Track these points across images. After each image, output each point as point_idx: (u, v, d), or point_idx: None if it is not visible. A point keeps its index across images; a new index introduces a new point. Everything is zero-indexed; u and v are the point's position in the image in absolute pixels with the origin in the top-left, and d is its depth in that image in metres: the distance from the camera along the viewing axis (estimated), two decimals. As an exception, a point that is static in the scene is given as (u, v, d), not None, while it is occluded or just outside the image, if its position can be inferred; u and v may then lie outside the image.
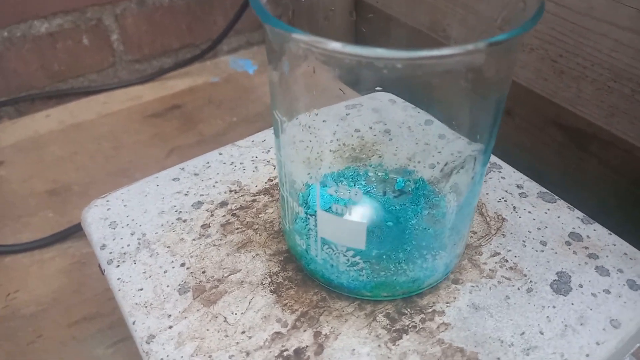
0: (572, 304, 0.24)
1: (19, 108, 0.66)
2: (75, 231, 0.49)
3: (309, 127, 0.24)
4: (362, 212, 0.22)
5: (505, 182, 0.30)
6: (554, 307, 0.24)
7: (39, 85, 0.66)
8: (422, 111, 0.32)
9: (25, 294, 0.45)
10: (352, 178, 0.27)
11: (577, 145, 0.42)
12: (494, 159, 0.32)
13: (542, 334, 0.23)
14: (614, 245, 0.26)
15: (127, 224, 0.29)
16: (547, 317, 0.23)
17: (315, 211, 0.22)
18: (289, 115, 0.22)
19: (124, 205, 0.30)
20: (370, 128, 0.33)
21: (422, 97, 0.25)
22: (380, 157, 0.30)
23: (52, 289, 0.45)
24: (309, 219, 0.22)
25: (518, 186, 0.30)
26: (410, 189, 0.25)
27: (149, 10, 0.69)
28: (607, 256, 0.26)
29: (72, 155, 0.60)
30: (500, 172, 0.31)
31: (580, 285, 0.24)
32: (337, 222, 0.21)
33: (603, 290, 0.24)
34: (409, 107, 0.33)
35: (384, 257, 0.22)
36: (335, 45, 0.17)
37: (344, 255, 0.22)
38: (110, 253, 0.27)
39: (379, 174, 0.28)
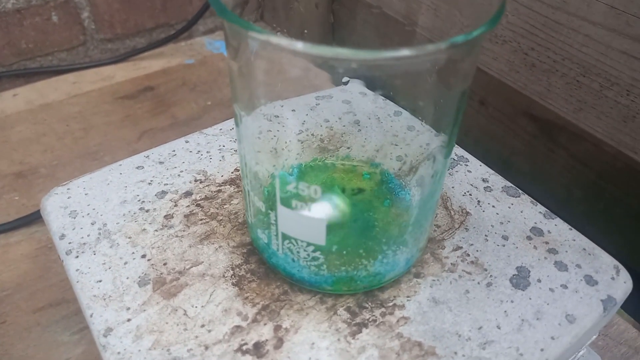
0: (530, 298, 0.24)
1: (-15, 87, 0.63)
2: (39, 216, 0.48)
3: (273, 118, 0.23)
4: (322, 208, 0.21)
5: (471, 176, 0.30)
6: (512, 301, 0.24)
7: (5, 63, 0.63)
8: (391, 103, 0.32)
9: (-11, 279, 0.44)
10: (316, 171, 0.27)
11: (546, 137, 0.43)
12: (461, 152, 0.32)
13: (499, 328, 0.23)
14: (574, 240, 0.27)
15: (88, 213, 0.28)
16: (505, 311, 0.24)
17: (276, 206, 0.22)
18: (249, 108, 0.22)
19: (85, 194, 0.29)
20: (340, 119, 0.32)
21: (388, 89, 0.24)
22: (348, 148, 0.30)
23: (16, 274, 0.45)
24: (269, 213, 0.22)
25: (483, 180, 0.30)
26: (371, 186, 0.25)
27: (122, -13, 0.67)
28: (566, 251, 0.26)
29: (40, 137, 0.58)
30: (467, 165, 0.31)
31: (539, 280, 0.25)
32: (297, 218, 0.21)
33: (560, 285, 0.25)
34: (379, 99, 0.33)
35: (345, 252, 0.22)
36: (296, 45, 0.17)
37: (305, 250, 0.22)
38: (70, 243, 0.27)
39: (345, 165, 0.28)
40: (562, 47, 0.37)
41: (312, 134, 0.31)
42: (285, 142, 0.25)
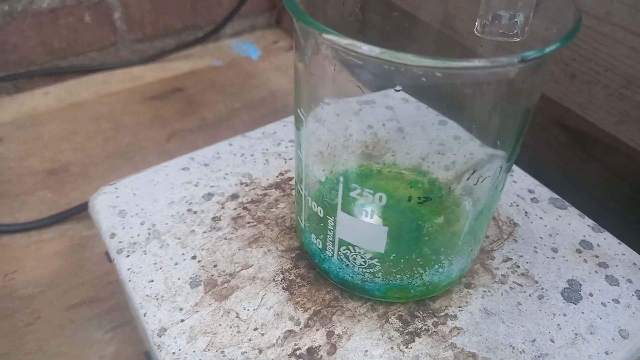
0: (582, 312, 0.24)
1: (18, 84, 0.64)
2: (74, 213, 0.49)
3: (325, 122, 0.23)
4: (383, 216, 0.21)
5: (517, 187, 0.30)
6: (564, 315, 0.24)
7: (38, 62, 0.64)
8: (435, 111, 0.32)
9: (23, 274, 0.45)
10: (370, 178, 0.27)
11: (580, 148, 0.43)
12: (506, 162, 0.32)
13: (552, 341, 0.23)
14: (624, 254, 0.27)
15: (137, 213, 0.28)
16: (558, 324, 0.24)
17: (336, 212, 0.22)
18: (310, 111, 0.22)
19: (133, 194, 0.30)
20: (383, 125, 0.32)
21: (446, 101, 0.24)
22: (393, 155, 0.30)
23: (50, 271, 0.45)
24: (327, 218, 0.22)
25: (530, 191, 0.30)
26: (432, 195, 0.25)
27: (153, -12, 0.67)
28: (616, 265, 0.26)
29: (71, 135, 0.59)
30: (512, 175, 0.31)
31: (591, 294, 0.25)
32: (358, 224, 0.21)
33: (612, 300, 0.25)
34: (422, 107, 0.33)
35: (402, 260, 0.22)
36: (372, 50, 0.17)
37: (362, 257, 0.22)
38: (120, 242, 0.27)
39: (392, 173, 0.28)
40: (605, 59, 0.36)
41: (357, 140, 0.31)
42: (341, 147, 0.25)
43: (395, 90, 0.26)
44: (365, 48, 0.17)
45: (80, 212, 0.48)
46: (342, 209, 0.21)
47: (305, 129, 0.22)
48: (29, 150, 0.57)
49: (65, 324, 0.41)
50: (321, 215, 0.23)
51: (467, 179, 0.25)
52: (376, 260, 0.22)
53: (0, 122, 0.60)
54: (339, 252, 0.23)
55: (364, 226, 0.21)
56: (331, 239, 0.23)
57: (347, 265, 0.23)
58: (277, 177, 0.31)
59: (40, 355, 0.39)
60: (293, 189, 0.30)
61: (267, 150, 0.33)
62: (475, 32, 0.29)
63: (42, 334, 0.41)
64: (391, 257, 0.22)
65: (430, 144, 0.30)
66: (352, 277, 0.23)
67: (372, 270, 0.23)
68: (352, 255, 0.23)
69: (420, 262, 0.23)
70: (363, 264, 0.23)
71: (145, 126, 0.60)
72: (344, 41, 0.17)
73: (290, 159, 0.32)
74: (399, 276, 0.23)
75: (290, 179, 0.31)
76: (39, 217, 0.48)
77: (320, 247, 0.24)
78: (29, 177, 0.53)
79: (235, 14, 0.71)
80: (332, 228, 0.22)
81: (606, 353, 0.23)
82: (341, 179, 0.21)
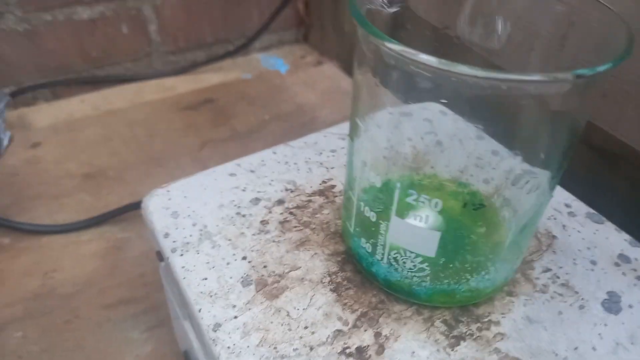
0: (623, 323, 0.25)
1: (55, 91, 0.67)
2: (112, 216, 0.50)
3: (383, 129, 0.25)
4: (436, 222, 0.22)
5: (554, 200, 0.31)
6: (605, 324, 0.25)
7: (75, 70, 0.67)
8: (472, 125, 0.33)
9: (62, 274, 0.46)
10: (418, 187, 0.28)
11: (607, 167, 0.43)
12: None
13: (594, 350, 0.24)
14: (661, 269, 0.27)
15: (189, 215, 0.30)
16: (599, 334, 0.24)
17: (389, 216, 0.23)
18: (368, 120, 0.23)
19: (184, 197, 0.31)
20: (422, 138, 0.33)
21: (489, 116, 0.26)
22: (432, 167, 0.31)
23: (87, 271, 0.47)
24: (380, 223, 0.23)
25: (566, 205, 0.31)
26: (481, 203, 0.26)
27: (187, 2, 0.70)
28: (654, 279, 0.27)
29: (107, 141, 0.61)
30: (548, 190, 0.32)
31: (630, 306, 0.25)
32: (412, 229, 0.22)
33: (651, 312, 0.25)
34: (460, 120, 0.34)
35: (450, 265, 0.23)
36: (434, 61, 0.18)
37: (412, 261, 0.23)
38: (174, 242, 0.28)
39: (435, 183, 0.29)
40: (637, 78, 0.37)
41: (397, 151, 0.32)
42: (395, 155, 0.26)
43: (441, 102, 0.27)
44: (427, 58, 0.19)
45: (117, 215, 0.50)
46: (397, 214, 0.22)
47: (362, 136, 0.24)
48: (67, 155, 0.59)
49: (103, 322, 0.43)
50: (373, 220, 0.24)
51: (511, 193, 0.26)
52: (426, 264, 0.23)
53: (38, 127, 0.63)
54: (389, 256, 0.24)
55: (417, 231, 0.22)
56: (382, 243, 0.24)
57: (396, 269, 0.24)
58: (320, 184, 0.32)
59: (79, 352, 0.41)
60: (336, 196, 0.31)
61: (310, 159, 0.34)
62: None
63: (80, 331, 0.42)
64: (440, 262, 0.23)
65: (469, 157, 0.31)
66: (399, 280, 0.24)
67: (420, 275, 0.24)
68: (401, 259, 0.24)
69: (468, 268, 0.24)
70: (412, 267, 0.24)
71: (178, 134, 0.62)
72: (409, 51, 0.18)
73: (332, 168, 0.33)
74: (446, 281, 0.24)
75: (333, 186, 0.32)
76: (76, 219, 0.50)
77: (369, 251, 0.25)
78: (67, 180, 0.55)
79: (266, 29, 0.73)
80: (383, 232, 0.24)
81: (647, 362, 0.23)
82: (398, 184, 0.22)
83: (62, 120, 0.64)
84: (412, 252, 0.23)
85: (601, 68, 0.19)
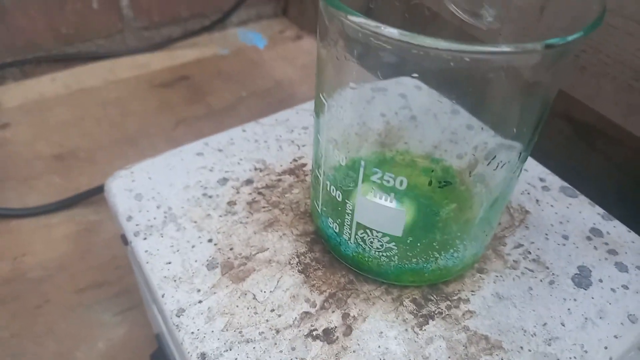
0: (592, 297, 0.25)
1: (24, 69, 0.64)
2: (83, 198, 0.49)
3: (347, 106, 0.24)
4: (402, 200, 0.22)
5: (528, 175, 0.31)
6: (574, 300, 0.24)
7: (45, 47, 0.64)
8: (447, 99, 0.32)
9: (32, 258, 0.45)
10: (387, 164, 0.27)
11: (584, 140, 0.43)
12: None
13: (563, 325, 0.23)
14: (633, 242, 0.27)
15: (153, 197, 0.29)
16: (568, 309, 0.24)
17: (354, 196, 0.22)
18: (332, 96, 0.23)
19: (149, 178, 0.30)
20: (396, 113, 0.33)
21: (461, 89, 0.25)
22: (405, 143, 0.31)
23: (58, 255, 0.46)
24: (346, 202, 0.23)
25: (541, 179, 0.30)
26: (450, 179, 0.25)
27: (160, -24, 0.67)
28: (626, 253, 0.27)
29: (78, 121, 0.59)
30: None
31: (600, 280, 0.25)
32: (377, 208, 0.22)
33: (622, 286, 0.25)
34: (434, 94, 0.33)
35: (418, 244, 0.23)
36: (394, 33, 0.17)
37: (379, 241, 0.23)
38: (137, 225, 0.27)
39: (406, 160, 0.28)
40: (615, 51, 0.37)
41: (369, 128, 0.31)
42: (359, 132, 0.25)
43: (412, 77, 0.26)
44: (389, 31, 0.18)
45: (88, 197, 0.49)
46: (362, 193, 0.22)
47: (327, 113, 0.23)
48: (37, 135, 0.57)
49: (75, 306, 0.42)
50: (339, 199, 0.23)
51: (482, 168, 0.25)
52: (393, 243, 0.23)
53: (7, 107, 0.61)
54: (356, 236, 0.23)
55: (383, 210, 0.21)
56: (349, 223, 0.23)
57: (364, 249, 0.24)
58: (290, 163, 0.31)
59: (50, 336, 0.40)
60: (307, 175, 0.31)
61: (281, 136, 0.33)
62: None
63: (51, 316, 0.41)
64: (408, 241, 0.23)
65: (444, 132, 0.30)
66: (368, 260, 0.24)
67: (388, 254, 0.23)
68: (369, 239, 0.23)
69: (436, 246, 0.23)
70: (380, 247, 0.23)
71: (152, 113, 0.61)
72: (371, 23, 0.17)
73: (303, 146, 0.32)
74: (415, 260, 0.23)
75: (304, 165, 0.31)
76: (47, 201, 0.49)
77: (337, 231, 0.24)
78: (37, 162, 0.54)
79: (243, 2, 0.71)
80: (350, 212, 0.23)
81: (615, 337, 0.23)
82: (362, 163, 0.21)
83: (32, 100, 0.62)
84: (378, 232, 0.22)
85: (571, 37, 0.18)
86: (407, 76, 0.23)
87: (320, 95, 0.23)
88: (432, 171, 0.26)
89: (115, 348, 0.39)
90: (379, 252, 0.23)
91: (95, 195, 0.49)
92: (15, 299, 0.42)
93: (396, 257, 0.23)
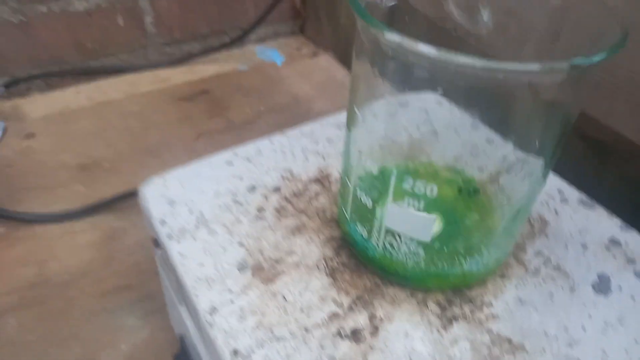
0: (612, 304, 0.25)
1: (50, 82, 0.66)
2: (106, 205, 0.50)
3: (380, 118, 0.25)
4: (431, 207, 0.23)
5: (547, 187, 0.32)
6: (595, 305, 0.25)
7: (70, 61, 0.67)
8: (468, 114, 0.34)
9: (56, 263, 0.46)
10: (417, 173, 0.28)
11: (597, 157, 0.44)
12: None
13: (584, 330, 0.24)
14: (650, 253, 0.28)
15: (185, 203, 0.30)
16: (589, 314, 0.25)
17: (385, 203, 0.23)
18: (366, 109, 0.24)
19: (181, 185, 0.31)
20: (418, 127, 0.34)
21: (484, 105, 0.26)
22: (427, 156, 0.32)
23: (82, 260, 0.47)
24: (376, 208, 0.24)
25: (559, 191, 0.31)
26: (476, 189, 0.26)
27: (183, -6, 0.70)
28: (643, 263, 0.27)
29: (101, 132, 0.61)
30: (540, 177, 0.33)
31: (620, 288, 0.26)
32: (408, 214, 0.23)
33: (640, 294, 0.26)
34: (455, 110, 0.34)
35: (445, 249, 0.24)
36: (433, 52, 0.18)
37: (407, 246, 0.24)
38: (170, 229, 0.28)
39: (430, 171, 0.30)
40: (629, 69, 0.38)
41: (393, 140, 0.32)
42: (390, 143, 0.26)
43: (438, 92, 0.27)
44: (425, 49, 0.19)
45: (112, 204, 0.50)
46: (393, 199, 0.23)
47: (360, 125, 0.24)
48: (61, 146, 0.59)
49: (98, 311, 0.43)
50: (369, 206, 0.24)
51: (507, 180, 0.26)
52: (421, 248, 0.24)
53: (32, 118, 0.63)
54: (385, 241, 0.24)
55: (413, 216, 0.23)
56: (377, 228, 0.24)
57: (391, 254, 0.25)
58: (316, 173, 0.32)
59: (74, 340, 0.41)
60: (332, 184, 0.32)
61: (306, 147, 0.34)
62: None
63: (75, 320, 0.42)
64: (435, 246, 0.24)
65: (469, 145, 0.31)
66: (395, 264, 0.25)
67: (415, 259, 0.24)
68: (397, 244, 0.24)
69: (462, 252, 0.24)
70: (408, 252, 0.24)
71: (174, 126, 0.62)
72: (407, 41, 0.19)
73: (328, 156, 0.34)
74: (441, 264, 0.24)
75: (329, 174, 0.32)
76: (71, 209, 0.50)
77: (365, 236, 0.25)
78: (62, 171, 0.55)
79: (262, 21, 0.73)
80: (379, 218, 0.24)
81: (636, 341, 0.24)
82: (394, 171, 0.22)
83: (57, 111, 0.64)
84: (407, 237, 0.23)
85: (596, 58, 0.19)
86: (436, 91, 0.25)
87: (354, 109, 0.24)
88: (458, 181, 0.27)
89: (138, 351, 0.40)
90: (406, 256, 0.24)
91: (118, 202, 0.50)
92: (41, 303, 0.43)
93: (423, 261, 0.24)
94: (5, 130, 0.60)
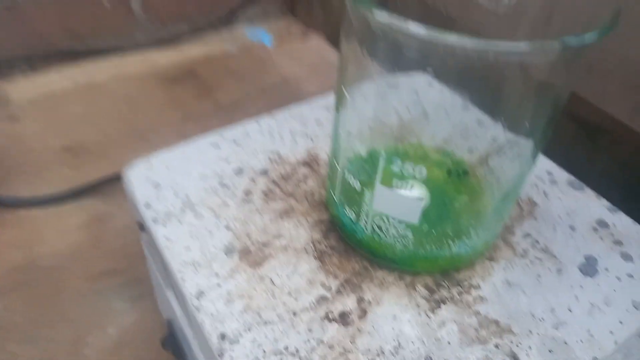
0: (599, 285, 0.25)
1: (33, 64, 0.65)
2: (93, 188, 0.50)
3: (369, 100, 0.24)
4: (420, 189, 0.23)
5: (536, 168, 0.31)
6: (581, 287, 0.25)
7: (54, 43, 0.65)
8: (458, 95, 0.33)
9: (44, 247, 0.46)
10: (406, 154, 0.28)
11: (588, 139, 0.44)
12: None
13: (570, 311, 0.24)
14: (638, 233, 0.28)
15: (171, 185, 0.30)
16: (575, 296, 0.25)
17: (373, 185, 0.23)
18: (355, 90, 0.23)
19: (166, 167, 0.31)
20: (408, 108, 0.33)
21: (474, 86, 0.26)
22: (417, 137, 0.31)
23: (70, 244, 0.46)
24: (364, 191, 0.24)
25: (548, 172, 0.31)
26: (465, 170, 0.26)
27: (169, -27, 0.68)
28: (630, 243, 0.27)
29: (88, 115, 0.60)
30: (529, 159, 0.32)
31: (606, 269, 0.26)
32: (396, 196, 0.22)
33: (627, 275, 0.26)
34: (446, 91, 0.34)
35: (433, 231, 0.24)
36: (422, 31, 0.18)
37: (395, 228, 0.24)
38: (155, 212, 0.28)
39: (420, 152, 0.29)
40: (622, 51, 0.38)
41: (383, 122, 0.32)
42: (379, 125, 0.26)
43: (427, 72, 0.27)
44: (415, 28, 0.18)
45: (99, 186, 0.50)
46: (381, 182, 0.22)
47: (349, 107, 0.24)
48: (47, 129, 0.58)
49: (87, 293, 0.43)
50: (358, 188, 0.24)
51: (496, 161, 0.26)
52: (409, 230, 0.23)
53: (17, 101, 0.61)
54: (373, 223, 0.24)
55: (401, 198, 0.22)
56: (365, 211, 0.24)
57: (380, 236, 0.24)
58: (304, 155, 0.32)
59: (64, 323, 0.41)
60: (321, 166, 0.31)
61: (294, 129, 0.34)
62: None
63: (64, 303, 0.42)
64: (423, 228, 0.23)
65: (460, 126, 0.31)
66: (383, 246, 0.25)
67: (404, 241, 0.24)
68: (385, 226, 0.24)
69: (450, 234, 0.24)
70: (396, 234, 0.24)
71: (161, 108, 0.61)
72: (397, 21, 0.18)
73: (317, 138, 0.33)
74: (429, 247, 0.24)
75: (318, 157, 0.32)
76: (57, 192, 0.50)
77: (353, 218, 0.25)
78: (47, 155, 0.54)
79: (251, 1, 0.72)
80: (367, 200, 0.24)
81: (620, 322, 0.24)
82: (383, 153, 0.22)
83: (42, 94, 0.62)
84: (395, 219, 0.23)
85: (588, 38, 0.19)
86: (426, 71, 0.24)
87: (343, 89, 0.24)
88: (447, 163, 0.27)
89: (126, 334, 0.40)
90: (394, 238, 0.24)
91: (104, 184, 0.49)
92: (29, 286, 0.43)
93: (411, 243, 0.24)
94: (-12, 113, 0.58)
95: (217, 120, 0.60)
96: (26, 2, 0.60)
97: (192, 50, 0.71)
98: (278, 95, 0.64)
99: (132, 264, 0.44)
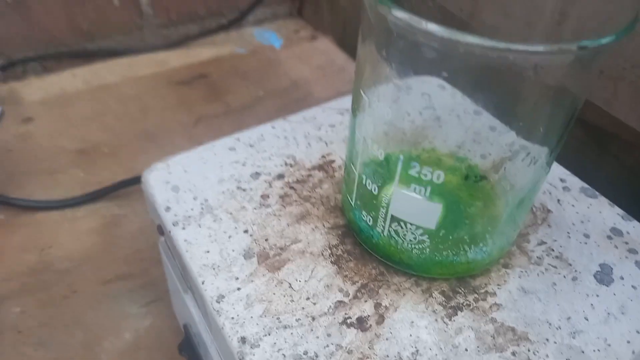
0: (614, 294, 0.26)
1: (46, 65, 0.65)
2: (107, 192, 0.50)
3: (388, 102, 0.25)
4: (437, 194, 0.23)
5: (549, 175, 0.32)
6: (597, 295, 0.25)
7: (65, 43, 0.65)
8: (470, 100, 0.33)
9: (59, 250, 0.46)
10: (425, 159, 0.28)
11: (597, 144, 0.44)
12: (537, 152, 0.33)
13: (586, 319, 0.24)
14: (651, 242, 0.28)
15: (189, 189, 0.30)
16: (591, 304, 0.25)
17: (390, 189, 0.23)
18: (373, 93, 0.24)
19: (185, 171, 0.31)
20: (420, 113, 0.34)
21: (488, 89, 0.26)
22: (430, 142, 0.32)
23: (84, 247, 0.47)
24: (381, 196, 0.24)
25: (561, 180, 0.32)
26: (482, 176, 0.26)
27: (179, -25, 0.68)
28: (645, 252, 0.28)
29: (99, 116, 0.60)
30: (543, 165, 0.33)
31: (622, 278, 0.26)
32: (413, 201, 0.23)
33: (641, 283, 0.26)
34: (458, 95, 0.34)
35: (450, 237, 0.24)
36: (442, 31, 0.18)
37: (412, 233, 0.24)
38: (175, 215, 0.28)
39: (433, 158, 0.30)
40: (633, 55, 0.38)
41: (396, 126, 0.32)
42: (397, 128, 0.26)
43: (442, 76, 0.27)
44: (434, 27, 0.19)
45: (113, 191, 0.50)
46: (399, 186, 0.23)
47: (367, 110, 0.24)
48: (59, 130, 0.58)
49: (101, 297, 0.43)
50: (375, 192, 0.24)
51: (512, 167, 0.26)
52: (426, 236, 0.24)
53: (29, 102, 0.62)
54: (390, 228, 0.24)
55: (419, 203, 0.23)
56: (383, 216, 0.24)
57: (396, 241, 0.25)
58: (319, 159, 0.32)
59: (78, 326, 0.41)
60: (336, 171, 0.32)
61: (309, 133, 0.34)
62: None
63: (78, 306, 0.42)
64: (440, 234, 0.24)
65: (471, 132, 0.31)
66: (400, 252, 0.25)
67: (420, 246, 0.24)
68: (402, 231, 0.24)
69: (466, 240, 0.24)
70: (413, 239, 0.24)
71: (172, 110, 0.62)
72: (416, 19, 0.18)
73: (331, 143, 0.34)
74: (445, 252, 0.24)
75: (332, 161, 0.32)
76: (71, 194, 0.50)
77: (370, 223, 0.25)
78: (61, 156, 0.55)
79: (260, 2, 0.72)
80: (385, 205, 0.24)
81: (637, 332, 0.24)
82: (401, 157, 0.22)
83: (54, 95, 0.63)
84: (412, 224, 0.24)
85: (605, 40, 0.19)
86: (437, 75, 0.24)
87: (361, 92, 0.24)
88: (462, 168, 0.27)
89: (141, 339, 0.40)
90: (411, 244, 0.24)
91: (119, 189, 0.50)
92: (43, 290, 0.43)
93: (428, 249, 0.24)
94: (3, 114, 0.59)
95: (228, 122, 0.60)
96: (34, 1, 0.60)
97: (202, 52, 0.71)
98: (287, 97, 0.65)
99: (147, 268, 0.45)
